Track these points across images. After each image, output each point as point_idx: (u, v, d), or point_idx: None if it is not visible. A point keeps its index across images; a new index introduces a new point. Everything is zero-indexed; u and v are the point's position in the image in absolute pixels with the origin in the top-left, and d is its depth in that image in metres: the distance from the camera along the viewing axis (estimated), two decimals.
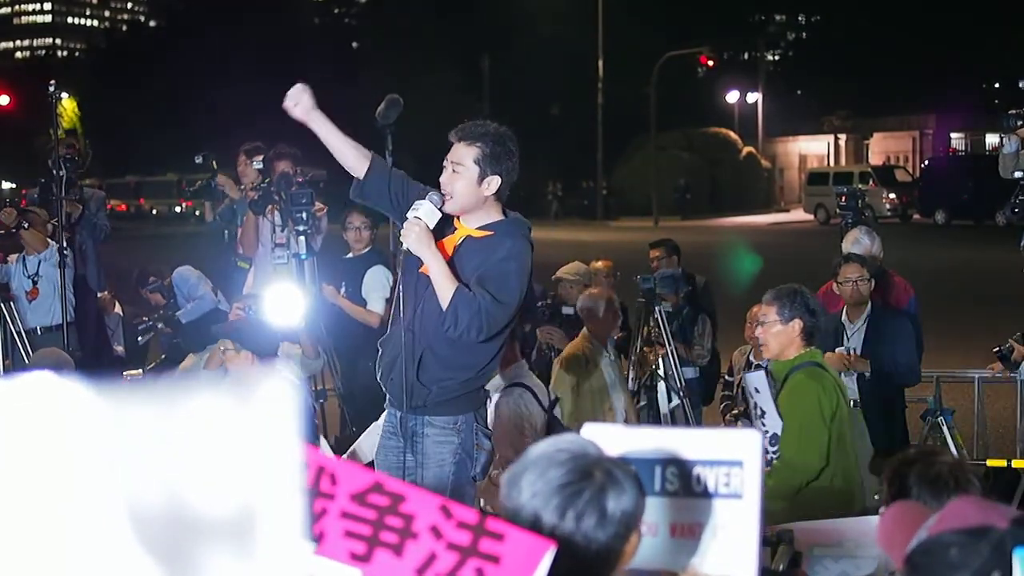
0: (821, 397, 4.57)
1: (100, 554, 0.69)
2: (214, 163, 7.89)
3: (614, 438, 2.14)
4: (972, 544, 1.76)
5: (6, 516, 0.69)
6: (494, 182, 4.04)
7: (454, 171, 4.06)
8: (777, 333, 4.66)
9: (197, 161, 7.89)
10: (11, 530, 0.69)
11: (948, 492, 2.72)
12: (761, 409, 4.74)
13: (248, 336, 5.46)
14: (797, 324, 4.64)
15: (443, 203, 4.04)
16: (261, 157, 7.19)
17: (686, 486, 2.18)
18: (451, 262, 4.07)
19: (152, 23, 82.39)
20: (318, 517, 1.80)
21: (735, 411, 7.02)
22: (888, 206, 36.12)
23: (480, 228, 4.12)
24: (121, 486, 0.70)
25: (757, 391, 4.77)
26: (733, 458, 2.17)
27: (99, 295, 8.34)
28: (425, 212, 4.00)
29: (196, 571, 0.70)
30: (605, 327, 6.38)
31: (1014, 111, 7.62)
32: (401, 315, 4.18)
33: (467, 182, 4.03)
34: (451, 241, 4.14)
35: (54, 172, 7.29)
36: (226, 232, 7.89)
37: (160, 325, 7.51)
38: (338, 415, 7.27)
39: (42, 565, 0.69)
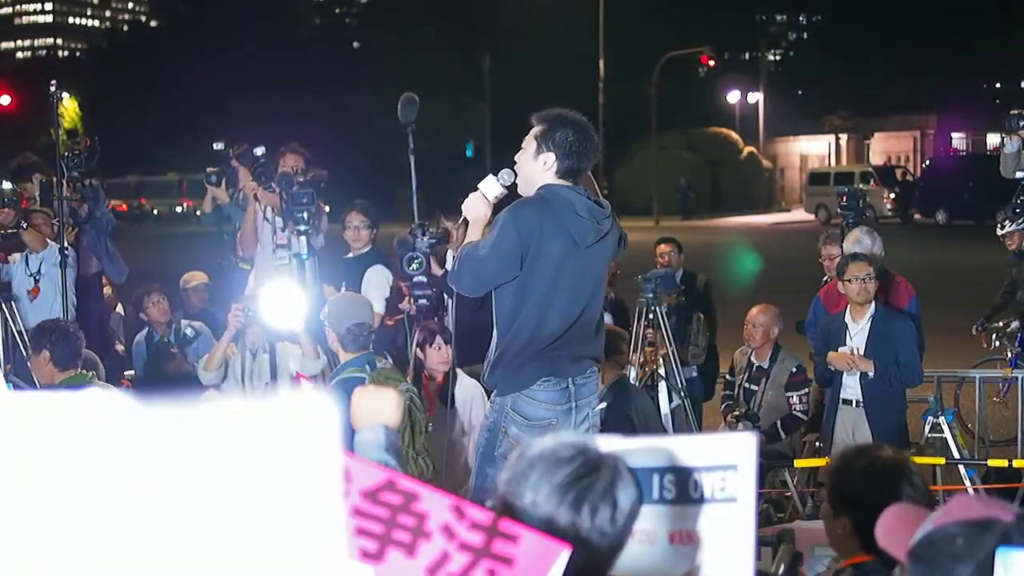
0: None
1: (142, 562, 0.69)
2: (232, 151, 7.85)
3: (611, 447, 2.13)
4: (977, 535, 1.77)
5: (52, 524, 0.69)
6: (548, 158, 4.28)
7: (522, 147, 4.38)
8: None
9: (217, 148, 7.84)
10: (53, 537, 0.69)
11: (894, 486, 2.71)
12: None
13: None
14: None
15: (512, 179, 4.39)
16: (262, 150, 7.07)
17: (683, 493, 2.16)
18: None
19: (153, 23, 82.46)
20: None
21: (736, 412, 7.03)
22: (889, 206, 36.12)
23: None
24: (162, 496, 0.70)
25: None
26: (728, 462, 2.16)
27: (107, 290, 8.33)
28: (485, 185, 4.40)
29: None
30: None
31: (1015, 111, 7.63)
32: None
33: (526, 157, 4.36)
34: None
35: (54, 174, 7.27)
36: (227, 218, 7.87)
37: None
38: None
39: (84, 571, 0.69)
